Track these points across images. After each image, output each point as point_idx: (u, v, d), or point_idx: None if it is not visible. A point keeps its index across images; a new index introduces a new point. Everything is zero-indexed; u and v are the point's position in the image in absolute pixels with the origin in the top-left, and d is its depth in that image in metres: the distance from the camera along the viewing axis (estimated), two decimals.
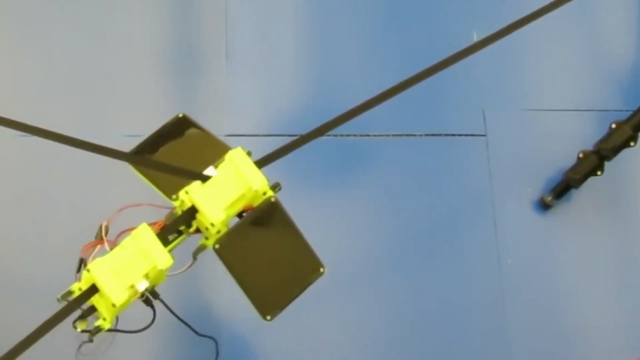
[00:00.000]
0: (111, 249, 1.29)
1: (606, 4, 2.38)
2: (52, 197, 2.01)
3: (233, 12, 2.24)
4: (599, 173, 2.09)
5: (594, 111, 2.26)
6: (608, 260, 2.15)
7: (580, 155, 2.10)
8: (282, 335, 1.94)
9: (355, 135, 2.16)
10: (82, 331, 1.28)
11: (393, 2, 2.32)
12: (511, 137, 2.22)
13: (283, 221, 1.38)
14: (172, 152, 1.45)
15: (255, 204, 1.37)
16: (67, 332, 1.26)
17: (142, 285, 1.25)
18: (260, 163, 1.36)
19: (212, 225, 1.31)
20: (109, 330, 1.29)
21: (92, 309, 1.27)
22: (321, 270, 1.39)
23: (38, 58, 2.15)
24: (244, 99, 2.16)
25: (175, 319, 1.45)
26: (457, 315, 2.04)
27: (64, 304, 1.25)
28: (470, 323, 2.04)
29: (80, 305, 1.25)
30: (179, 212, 1.34)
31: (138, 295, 1.27)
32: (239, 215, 1.37)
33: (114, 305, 1.24)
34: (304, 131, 1.42)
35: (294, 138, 1.40)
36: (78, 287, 1.27)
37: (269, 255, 1.39)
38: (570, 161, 2.12)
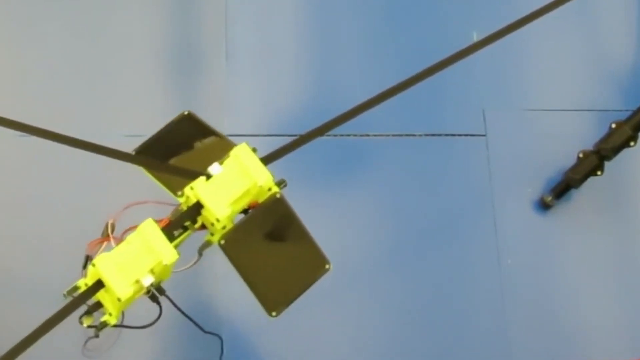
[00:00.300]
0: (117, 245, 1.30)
1: (606, 4, 2.38)
2: (52, 197, 2.01)
3: (233, 12, 2.24)
4: (599, 173, 2.09)
5: (594, 111, 2.26)
6: (608, 260, 2.15)
7: (580, 155, 2.10)
8: (286, 333, 1.94)
9: (355, 135, 2.16)
10: (88, 326, 1.29)
11: (393, 2, 2.32)
12: (511, 137, 2.22)
13: (288, 217, 1.38)
14: (178, 149, 1.45)
15: (261, 200, 1.37)
16: (74, 328, 1.26)
17: (148, 281, 1.25)
18: (266, 160, 1.37)
19: (218, 221, 1.31)
20: (115, 325, 1.29)
21: (98, 305, 1.28)
22: (327, 266, 1.39)
23: (38, 58, 2.15)
24: (244, 99, 2.16)
25: (180, 316, 1.45)
26: (457, 315, 2.04)
27: (70, 299, 1.25)
28: (470, 323, 2.04)
29: (87, 300, 1.26)
30: (184, 207, 1.34)
31: (143, 290, 1.27)
32: (245, 211, 1.37)
33: (119, 300, 1.25)
34: (304, 131, 1.42)
35: (294, 138, 1.40)
36: (84, 283, 1.27)
37: (274, 251, 1.39)
38: (570, 161, 2.12)
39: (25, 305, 1.89)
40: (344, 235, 2.05)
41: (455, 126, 2.21)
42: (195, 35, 2.22)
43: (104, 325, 1.28)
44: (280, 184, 1.38)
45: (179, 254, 1.29)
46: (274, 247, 1.39)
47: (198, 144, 1.46)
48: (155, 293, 1.29)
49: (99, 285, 1.25)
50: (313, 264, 1.38)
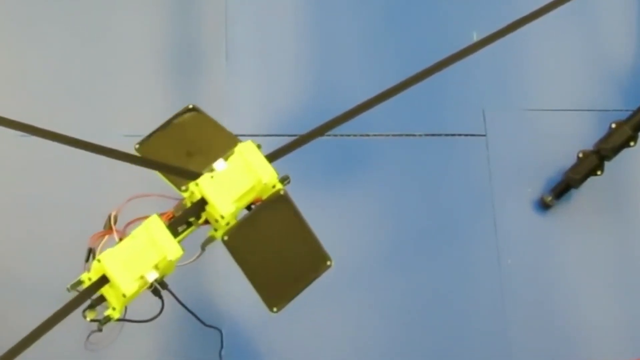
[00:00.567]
0: (120, 238, 1.31)
1: (606, 4, 2.38)
2: (52, 197, 2.01)
3: (233, 12, 2.24)
4: (599, 173, 2.09)
5: (594, 111, 2.26)
6: (608, 260, 2.15)
7: (580, 155, 2.10)
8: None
9: (355, 135, 2.16)
10: (92, 320, 1.29)
11: (393, 2, 2.32)
12: (511, 137, 2.22)
13: (292, 214, 1.39)
14: (182, 143, 1.45)
15: (265, 196, 1.38)
16: (76, 321, 1.26)
17: (152, 276, 1.26)
18: (271, 157, 1.37)
19: (222, 217, 1.32)
20: (118, 319, 1.30)
21: (102, 299, 1.28)
22: (328, 263, 1.40)
23: (38, 58, 2.15)
24: (244, 99, 2.16)
25: (181, 310, 1.46)
26: (457, 315, 2.04)
27: (73, 293, 1.26)
28: (470, 323, 2.04)
29: (91, 295, 1.26)
30: (189, 203, 1.35)
31: (147, 285, 1.28)
32: (248, 207, 1.38)
33: (124, 296, 1.25)
34: (304, 131, 1.42)
35: (294, 138, 1.40)
36: (87, 277, 1.28)
37: (277, 247, 1.39)
38: (570, 161, 2.12)
39: (25, 305, 1.89)
40: (344, 235, 2.05)
41: (455, 126, 2.21)
42: (195, 35, 2.22)
43: (107, 319, 1.28)
44: (284, 180, 1.39)
45: (183, 249, 1.29)
46: (276, 244, 1.39)
47: (202, 138, 1.47)
48: (157, 287, 1.30)
49: (103, 280, 1.26)
50: (315, 261, 1.39)
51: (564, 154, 2.14)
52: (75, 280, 1.27)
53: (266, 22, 2.26)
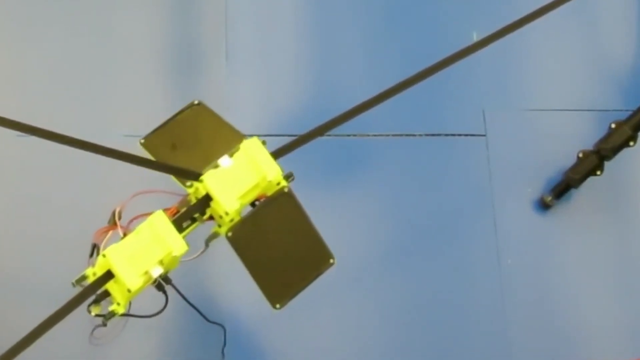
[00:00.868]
0: (124, 234, 1.31)
1: (606, 4, 2.38)
2: (52, 197, 2.01)
3: (233, 12, 2.24)
4: (598, 173, 2.09)
5: (594, 111, 2.26)
6: (608, 260, 2.15)
7: (580, 155, 2.10)
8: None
9: (355, 135, 2.16)
10: (96, 315, 1.30)
11: (393, 2, 2.32)
12: (511, 137, 2.22)
13: (295, 211, 1.39)
14: (187, 139, 1.45)
15: (269, 193, 1.38)
16: (81, 316, 1.26)
17: (157, 272, 1.27)
18: (276, 154, 1.37)
19: (226, 214, 1.32)
20: (122, 314, 1.30)
21: (106, 294, 1.29)
22: (331, 261, 1.40)
23: (38, 58, 2.15)
24: (244, 99, 2.16)
25: (184, 306, 1.46)
26: (457, 315, 2.04)
27: (78, 288, 1.26)
28: (470, 323, 2.04)
29: (97, 290, 1.27)
30: (193, 199, 1.35)
31: (152, 281, 1.28)
32: (252, 203, 1.38)
33: (129, 291, 1.26)
34: (304, 131, 1.42)
35: (294, 138, 1.40)
36: (92, 272, 1.28)
37: (280, 244, 1.40)
38: (570, 161, 2.12)
39: (24, 305, 1.89)
40: (344, 235, 2.05)
41: (455, 126, 2.21)
42: (195, 35, 2.22)
43: (112, 314, 1.29)
44: (288, 177, 1.39)
45: (188, 245, 1.30)
46: (279, 240, 1.40)
47: (207, 134, 1.46)
48: (161, 282, 1.31)
49: (108, 276, 1.26)
50: (318, 258, 1.40)
51: (564, 154, 2.14)
52: (79, 275, 1.28)
53: (266, 22, 2.26)
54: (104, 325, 1.31)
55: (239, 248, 1.34)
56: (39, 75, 2.13)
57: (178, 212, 1.34)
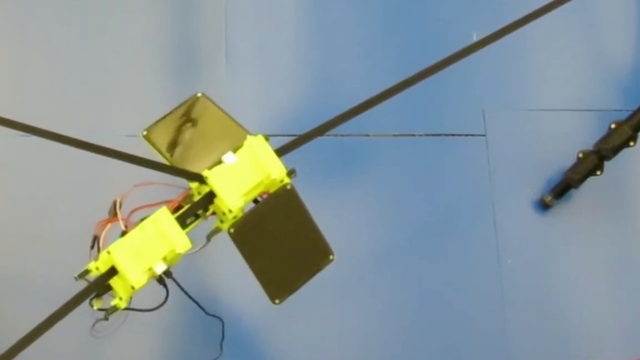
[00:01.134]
0: (125, 225, 1.31)
1: (606, 4, 2.38)
2: (52, 197, 2.01)
3: (233, 12, 2.24)
4: (598, 173, 2.09)
5: (594, 111, 2.26)
6: (608, 260, 2.15)
7: (580, 155, 2.10)
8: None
9: (355, 135, 2.16)
10: (98, 310, 1.30)
11: (393, 2, 2.32)
12: (511, 137, 2.22)
13: (297, 208, 1.39)
14: (189, 131, 1.45)
15: (272, 189, 1.38)
16: (82, 310, 1.27)
17: (160, 268, 1.27)
18: (280, 152, 1.37)
19: (230, 211, 1.32)
20: (124, 309, 1.31)
21: (108, 288, 1.29)
22: (331, 257, 1.40)
23: (38, 58, 2.15)
24: (244, 99, 2.16)
25: (183, 301, 1.46)
26: (456, 315, 2.05)
27: (81, 282, 1.27)
28: (470, 323, 2.04)
29: (101, 286, 1.27)
30: (196, 194, 1.35)
31: (155, 276, 1.29)
32: (255, 200, 1.39)
33: (133, 288, 1.26)
34: (304, 131, 1.42)
35: (294, 138, 1.41)
36: (95, 266, 1.29)
37: (281, 241, 1.40)
38: (570, 161, 2.12)
39: (24, 305, 1.89)
40: (344, 234, 2.05)
41: (455, 126, 2.21)
42: (195, 35, 2.22)
43: (114, 309, 1.29)
44: (291, 173, 1.39)
45: (192, 242, 1.30)
46: (281, 236, 1.40)
47: (210, 127, 1.46)
48: (162, 276, 1.31)
49: (112, 272, 1.27)
50: (318, 255, 1.40)
51: (564, 154, 2.14)
52: (82, 270, 1.28)
53: (266, 22, 2.26)
54: (106, 319, 1.31)
55: (241, 244, 1.34)
56: (39, 75, 2.13)
57: (180, 206, 1.34)
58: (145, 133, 1.44)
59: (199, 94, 1.49)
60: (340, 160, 2.14)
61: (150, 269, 1.27)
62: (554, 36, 2.32)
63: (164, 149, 1.43)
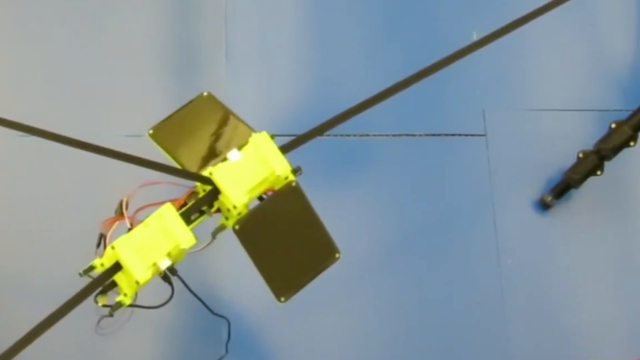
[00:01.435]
0: (131, 224, 1.31)
1: (606, 4, 2.38)
2: (52, 197, 2.01)
3: (233, 12, 2.24)
4: (598, 173, 2.09)
5: (594, 111, 2.26)
6: (608, 260, 2.15)
7: (580, 155, 2.10)
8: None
9: (355, 135, 2.16)
10: (103, 306, 1.31)
11: (393, 2, 2.32)
12: (511, 137, 2.22)
13: (302, 205, 1.39)
14: (195, 130, 1.45)
15: (277, 187, 1.38)
16: (86, 306, 1.27)
17: (165, 264, 1.27)
18: (284, 149, 1.37)
19: (234, 207, 1.32)
20: (129, 305, 1.31)
21: (113, 284, 1.29)
22: (337, 255, 1.41)
23: (38, 58, 2.15)
24: (244, 99, 2.16)
25: (188, 299, 1.46)
26: (457, 314, 2.04)
27: (86, 278, 1.27)
28: (470, 323, 2.04)
29: (106, 281, 1.27)
30: (201, 192, 1.35)
31: (159, 272, 1.29)
32: (260, 197, 1.39)
33: (137, 283, 1.27)
34: (304, 131, 1.42)
35: (293, 137, 1.41)
36: (100, 263, 1.29)
37: (286, 238, 1.40)
38: (570, 161, 2.12)
39: (25, 305, 1.89)
40: (343, 235, 2.03)
41: (455, 126, 2.21)
42: (195, 35, 2.22)
43: (119, 305, 1.29)
44: (296, 171, 1.39)
45: (196, 238, 1.30)
46: (286, 234, 1.40)
47: (215, 125, 1.46)
48: (167, 274, 1.31)
49: (117, 267, 1.27)
50: (323, 253, 1.40)
51: (564, 154, 2.14)
52: (87, 266, 1.28)
53: (266, 21, 2.26)
54: (111, 315, 1.31)
55: (246, 241, 1.34)
56: (39, 76, 2.13)
57: (185, 203, 1.34)
58: (151, 132, 1.45)
59: (205, 93, 1.49)
60: (340, 160, 2.14)
61: (154, 265, 1.27)
62: (554, 36, 2.32)
63: (169, 148, 1.43)
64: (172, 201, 1.32)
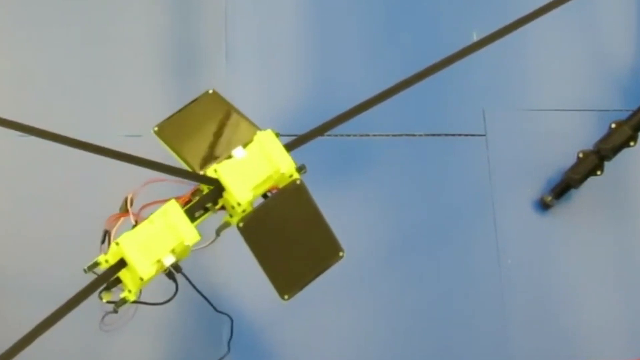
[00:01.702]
0: (135, 221, 1.32)
1: (606, 4, 2.38)
2: (52, 197, 2.01)
3: (233, 12, 2.24)
4: (598, 173, 2.09)
5: (594, 111, 2.26)
6: (608, 260, 2.15)
7: (580, 155, 2.10)
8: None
9: (355, 135, 2.16)
10: (107, 302, 1.31)
11: (393, 2, 2.32)
12: (511, 137, 2.22)
13: (307, 204, 1.40)
14: (201, 128, 1.45)
15: (281, 185, 1.39)
16: (91, 302, 1.27)
17: (169, 260, 1.28)
18: (289, 147, 1.38)
19: (239, 204, 1.33)
20: (133, 302, 1.31)
21: (118, 281, 1.30)
22: (341, 254, 1.41)
23: (38, 58, 2.15)
24: (244, 99, 2.13)
25: (191, 297, 1.47)
26: (457, 315, 2.04)
27: (90, 275, 1.27)
28: (470, 323, 2.04)
29: (110, 278, 1.28)
30: (206, 189, 1.36)
31: (164, 269, 1.29)
32: (264, 195, 1.39)
33: (141, 279, 1.27)
34: (304, 131, 1.42)
35: (294, 138, 1.41)
36: (104, 259, 1.29)
37: (290, 236, 1.40)
38: (570, 161, 2.12)
39: (25, 305, 1.89)
40: (343, 235, 2.04)
41: (455, 126, 2.21)
42: (195, 35, 2.22)
43: (123, 301, 1.30)
44: (301, 169, 1.39)
45: (200, 235, 1.30)
46: (290, 232, 1.40)
47: (221, 123, 1.46)
48: (172, 271, 1.31)
49: (121, 264, 1.27)
50: (327, 251, 1.40)
51: (564, 154, 2.14)
52: (92, 262, 1.29)
53: (266, 21, 2.26)
54: (115, 312, 1.31)
55: (250, 238, 1.34)
56: (39, 76, 2.13)
57: (190, 201, 1.34)
58: (156, 129, 1.45)
59: (211, 91, 1.49)
60: (340, 160, 2.14)
61: (159, 261, 1.27)
62: (554, 36, 2.32)
63: (175, 145, 1.43)
64: (177, 198, 1.33)
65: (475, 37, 2.18)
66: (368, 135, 2.17)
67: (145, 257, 1.26)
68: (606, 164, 2.09)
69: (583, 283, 2.11)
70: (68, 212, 1.99)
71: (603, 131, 2.10)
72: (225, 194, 1.34)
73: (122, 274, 1.29)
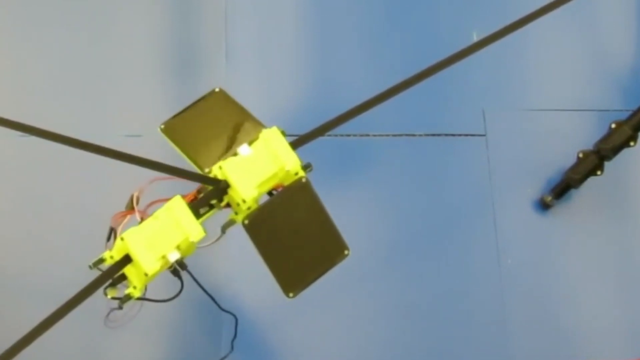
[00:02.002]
0: (141, 218, 1.32)
1: (606, 4, 2.38)
2: (52, 198, 2.01)
3: (233, 12, 2.24)
4: (598, 173, 2.09)
5: (594, 111, 2.26)
6: (608, 260, 2.15)
7: (580, 155, 2.10)
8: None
9: (355, 135, 2.16)
10: (112, 298, 1.31)
11: (393, 2, 2.32)
12: (511, 137, 2.22)
13: (312, 202, 1.40)
14: (207, 126, 1.45)
15: (287, 183, 1.39)
16: (95, 299, 1.27)
17: (174, 256, 1.28)
18: (295, 144, 1.38)
19: (244, 201, 1.33)
20: (138, 298, 1.31)
21: (122, 277, 1.30)
22: (346, 252, 1.41)
23: (38, 58, 2.15)
24: (244, 99, 2.14)
25: (196, 296, 1.47)
26: (457, 314, 2.04)
27: (95, 271, 1.27)
28: (470, 323, 2.04)
29: (115, 273, 1.28)
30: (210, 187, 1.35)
31: (168, 265, 1.29)
32: (269, 193, 1.39)
33: (146, 275, 1.27)
34: (304, 131, 1.42)
35: (294, 138, 1.41)
36: (109, 255, 1.29)
37: (296, 234, 1.40)
38: (570, 161, 2.12)
39: (25, 305, 1.89)
40: (344, 235, 2.04)
41: (455, 126, 2.21)
42: (195, 35, 2.22)
43: (128, 298, 1.30)
44: (307, 167, 1.40)
45: (205, 231, 1.30)
46: (295, 230, 1.40)
47: (227, 121, 1.46)
48: (177, 268, 1.31)
49: (126, 259, 1.27)
50: (332, 249, 1.40)
51: (564, 154, 2.14)
52: (97, 258, 1.29)
53: (266, 22, 2.26)
54: (120, 308, 1.31)
55: (255, 236, 1.34)
56: (39, 76, 2.13)
57: (196, 198, 1.34)
58: (162, 127, 1.45)
59: (217, 89, 1.50)
60: (340, 160, 2.14)
61: (163, 257, 1.27)
62: (554, 36, 2.32)
63: (180, 143, 1.43)
64: (183, 196, 1.33)
65: (475, 37, 2.19)
66: (368, 135, 2.17)
67: (150, 253, 1.26)
68: (606, 164, 2.09)
69: (583, 283, 2.11)
70: (68, 212, 1.99)
71: (603, 131, 2.10)
72: (230, 191, 1.34)
73: (127, 270, 1.29)
